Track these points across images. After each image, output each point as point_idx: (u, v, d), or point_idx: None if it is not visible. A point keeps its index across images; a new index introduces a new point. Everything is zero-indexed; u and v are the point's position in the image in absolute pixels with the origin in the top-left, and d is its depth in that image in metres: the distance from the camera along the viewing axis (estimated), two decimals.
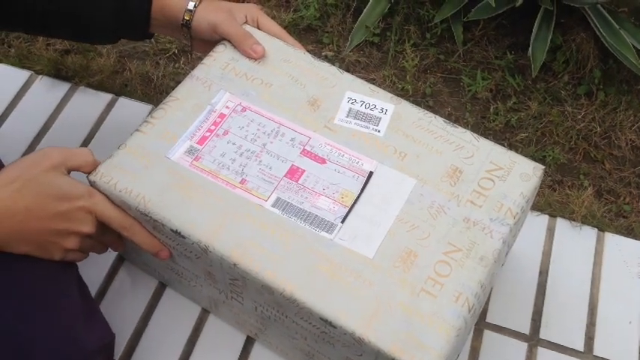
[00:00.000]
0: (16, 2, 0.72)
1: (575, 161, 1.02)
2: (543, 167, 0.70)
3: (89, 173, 0.67)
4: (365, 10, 1.17)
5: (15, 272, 0.60)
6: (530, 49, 1.08)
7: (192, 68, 1.11)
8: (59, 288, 0.62)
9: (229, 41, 0.77)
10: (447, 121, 0.73)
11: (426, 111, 0.74)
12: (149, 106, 0.99)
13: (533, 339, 0.81)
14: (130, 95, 1.02)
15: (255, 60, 0.76)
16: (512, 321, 0.82)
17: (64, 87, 1.00)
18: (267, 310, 0.68)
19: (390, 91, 0.75)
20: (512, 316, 0.82)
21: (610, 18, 1.06)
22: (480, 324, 0.82)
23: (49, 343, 0.57)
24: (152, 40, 1.12)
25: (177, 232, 0.65)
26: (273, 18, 1.18)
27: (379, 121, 0.73)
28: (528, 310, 0.83)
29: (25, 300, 0.59)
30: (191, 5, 0.76)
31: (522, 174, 0.70)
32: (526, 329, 0.82)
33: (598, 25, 1.06)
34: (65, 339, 0.58)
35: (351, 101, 0.74)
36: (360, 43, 1.17)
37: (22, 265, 0.61)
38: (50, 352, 0.56)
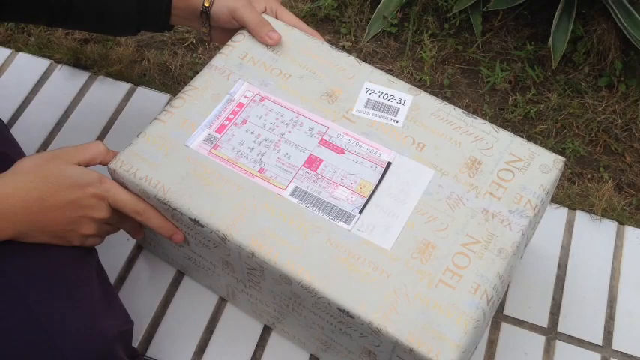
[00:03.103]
0: None
1: (595, 154, 1.01)
2: (564, 159, 0.69)
3: (106, 164, 0.67)
4: (383, 0, 1.16)
5: (36, 258, 0.61)
6: (550, 39, 1.07)
7: (210, 58, 1.11)
8: (80, 274, 0.63)
9: (246, 28, 0.77)
10: (466, 112, 0.73)
11: (444, 102, 0.74)
12: (167, 96, 0.99)
13: (551, 332, 0.81)
14: (149, 85, 1.03)
15: (271, 46, 0.76)
16: (531, 314, 0.81)
17: (83, 76, 1.00)
18: (285, 299, 0.68)
19: (407, 82, 0.75)
20: (531, 309, 0.82)
21: (632, 9, 1.04)
22: (498, 316, 0.81)
23: (69, 329, 0.57)
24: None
25: (195, 221, 0.65)
26: (291, 8, 1.17)
27: (397, 112, 0.73)
28: (547, 303, 0.82)
29: (46, 286, 0.59)
30: None
31: (542, 166, 0.69)
32: (544, 322, 0.81)
33: (619, 16, 1.04)
34: (86, 325, 0.58)
35: (369, 92, 0.74)
36: (377, 34, 1.16)
37: (43, 251, 0.61)
38: (71, 338, 0.57)
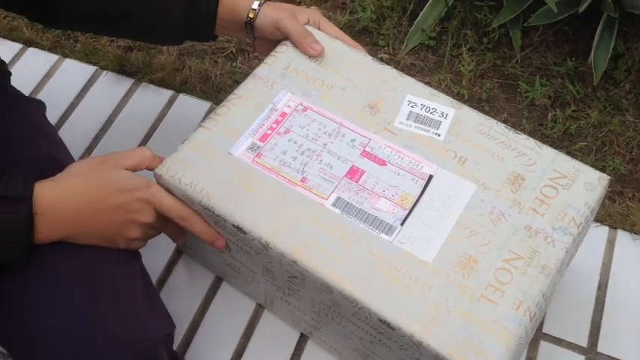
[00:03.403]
0: (88, 4, 0.75)
1: (636, 172, 1.00)
2: (609, 177, 0.69)
3: (152, 169, 0.68)
4: (421, 13, 1.17)
5: (84, 260, 0.62)
6: (591, 56, 1.06)
7: (249, 67, 1.12)
8: (125, 277, 0.64)
9: (289, 39, 0.78)
10: (509, 127, 0.73)
11: (487, 116, 0.74)
12: (208, 104, 1.01)
13: (591, 352, 0.80)
14: (190, 92, 1.04)
15: (314, 57, 0.77)
16: (570, 332, 0.80)
17: (127, 83, 1.02)
18: (324, 308, 0.68)
19: None
20: (570, 328, 0.81)
21: None
22: (537, 334, 0.80)
23: (115, 330, 0.58)
24: None
25: (238, 228, 0.66)
26: (330, 19, 1.18)
27: (439, 125, 0.73)
28: (586, 322, 0.81)
29: (93, 287, 0.61)
30: (255, 4, 0.77)
31: (587, 183, 0.68)
32: (584, 342, 0.80)
33: None
34: (131, 326, 0.59)
35: (411, 104, 0.74)
36: (415, 47, 1.16)
37: (91, 253, 0.63)
38: (116, 339, 0.58)
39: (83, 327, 0.58)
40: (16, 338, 0.61)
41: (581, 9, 1.01)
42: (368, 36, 1.19)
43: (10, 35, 1.11)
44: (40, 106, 0.81)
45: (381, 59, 1.15)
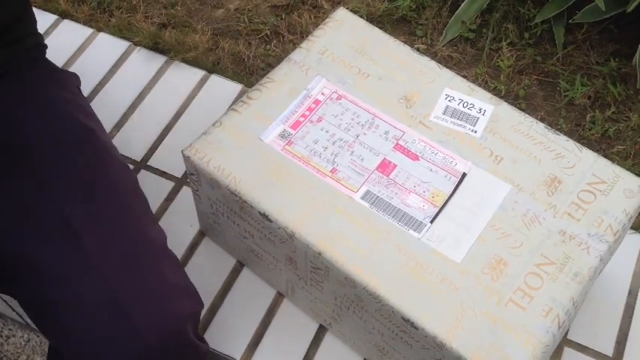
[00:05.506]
0: None
1: None
2: None
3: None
4: (462, 4, 1.14)
5: (115, 236, 0.61)
6: (636, 57, 1.02)
7: (283, 51, 1.11)
8: (156, 253, 0.63)
9: None
10: (549, 127, 0.70)
11: (526, 115, 0.71)
12: (239, 86, 1.00)
13: None
14: (222, 73, 1.03)
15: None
16: (596, 341, 0.78)
17: (160, 60, 1.01)
18: (346, 302, 0.67)
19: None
20: (596, 336, 0.79)
21: None
22: (562, 340, 0.78)
23: (146, 306, 0.58)
24: (245, 19, 1.12)
25: (264, 216, 0.65)
26: (368, 7, 1.16)
27: (476, 122, 0.71)
28: (613, 331, 0.79)
29: (124, 263, 0.60)
30: None
31: (626, 190, 0.66)
32: (609, 351, 0.78)
33: None
34: (161, 303, 0.59)
35: (448, 99, 0.72)
36: (454, 38, 1.14)
37: (122, 229, 0.62)
38: (147, 314, 0.57)
39: (113, 302, 0.58)
40: (45, 312, 0.61)
41: (630, 8, 0.98)
42: (406, 25, 1.17)
43: (46, 6, 1.11)
44: (76, 79, 0.81)
45: (418, 50, 1.12)
